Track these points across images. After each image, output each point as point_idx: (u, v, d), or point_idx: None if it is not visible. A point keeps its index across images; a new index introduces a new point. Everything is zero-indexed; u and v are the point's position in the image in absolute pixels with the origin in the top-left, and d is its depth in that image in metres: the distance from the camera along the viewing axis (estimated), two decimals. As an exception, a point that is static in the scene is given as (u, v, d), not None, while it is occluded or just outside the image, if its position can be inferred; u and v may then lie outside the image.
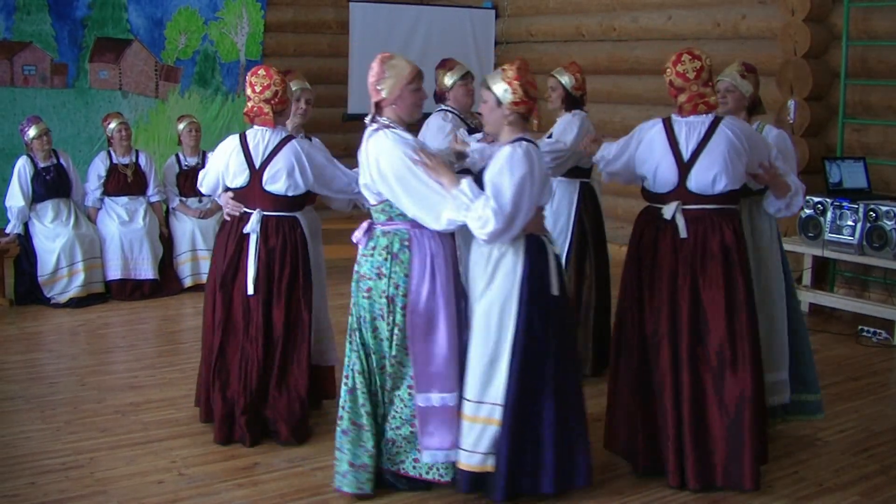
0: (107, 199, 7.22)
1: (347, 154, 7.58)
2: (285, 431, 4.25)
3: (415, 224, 3.65)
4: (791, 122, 6.71)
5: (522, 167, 3.50)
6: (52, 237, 6.83)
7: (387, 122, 3.69)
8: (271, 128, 4.32)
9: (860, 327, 6.25)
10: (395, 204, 3.63)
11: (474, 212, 3.46)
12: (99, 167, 7.23)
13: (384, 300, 3.65)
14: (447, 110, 5.12)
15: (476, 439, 3.61)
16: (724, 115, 3.98)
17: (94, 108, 8.63)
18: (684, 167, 3.85)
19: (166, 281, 7.23)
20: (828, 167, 6.48)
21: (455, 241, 3.79)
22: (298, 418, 4.29)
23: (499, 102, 3.62)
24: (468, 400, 3.64)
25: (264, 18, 9.59)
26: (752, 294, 3.88)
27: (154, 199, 7.39)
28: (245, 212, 4.35)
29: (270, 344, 4.30)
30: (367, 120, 3.77)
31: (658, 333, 3.85)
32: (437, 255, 3.65)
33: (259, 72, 4.34)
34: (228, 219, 4.42)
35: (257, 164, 4.28)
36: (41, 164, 6.87)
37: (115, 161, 7.25)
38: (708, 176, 3.81)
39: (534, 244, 3.62)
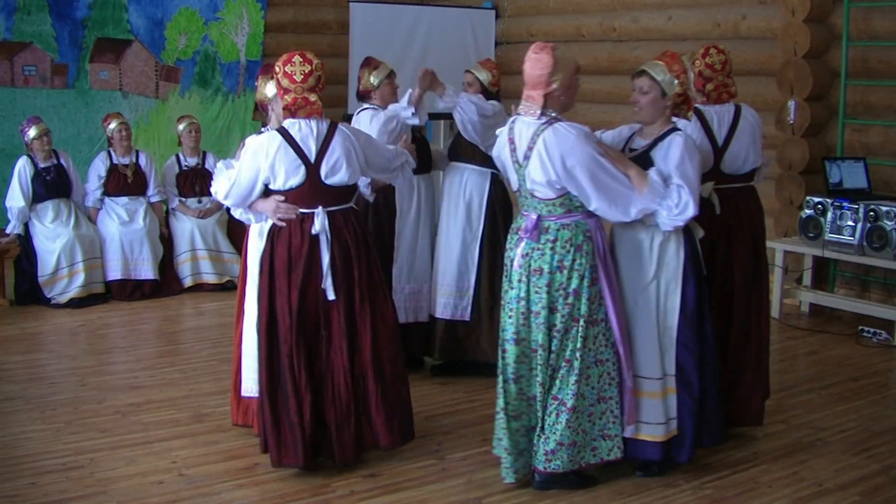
0: (107, 200, 7.22)
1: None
2: (389, 440, 4.02)
3: (590, 214, 3.73)
4: (791, 122, 6.71)
5: (697, 154, 3.79)
6: (52, 237, 6.83)
7: (557, 115, 3.70)
8: (319, 118, 3.95)
9: (860, 327, 6.25)
10: (580, 198, 3.68)
11: (671, 199, 3.66)
12: (99, 167, 7.24)
13: (564, 292, 3.70)
14: (372, 108, 5.16)
15: (664, 410, 3.83)
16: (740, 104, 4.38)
17: (95, 108, 8.62)
18: (719, 151, 4.25)
19: (166, 281, 7.24)
20: (828, 167, 6.48)
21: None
22: (403, 422, 4.09)
23: (663, 93, 3.78)
24: (646, 378, 3.83)
25: (264, 19, 9.58)
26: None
27: (154, 199, 7.40)
28: (302, 213, 3.93)
29: (355, 350, 3.98)
30: (525, 111, 3.72)
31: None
32: (605, 245, 3.80)
33: (294, 59, 3.89)
34: (283, 224, 3.94)
35: (312, 158, 3.89)
36: (41, 165, 6.88)
37: (115, 161, 7.26)
38: (739, 158, 4.29)
39: (688, 229, 3.85)
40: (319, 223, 3.89)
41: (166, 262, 7.31)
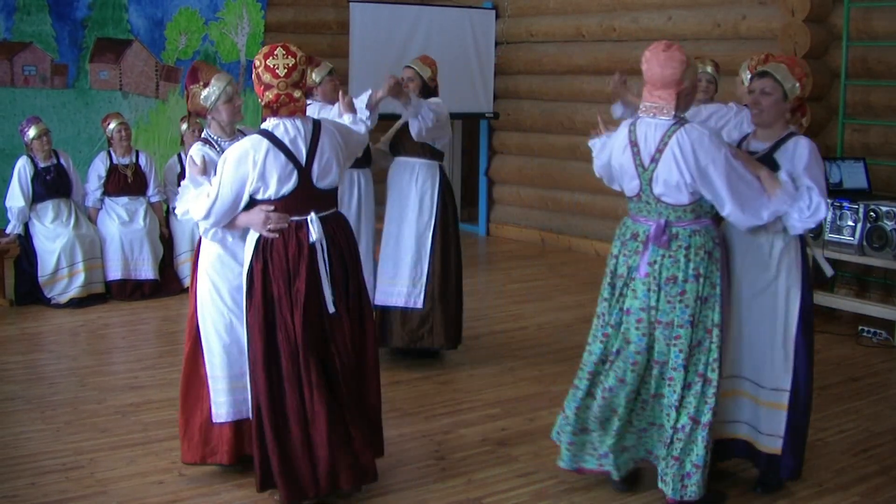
0: (107, 200, 7.22)
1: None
2: (371, 465, 3.72)
3: (716, 220, 3.65)
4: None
5: (821, 158, 3.70)
6: (52, 237, 6.83)
7: (683, 116, 3.60)
8: (303, 117, 3.65)
9: (860, 327, 6.25)
10: (714, 201, 3.53)
11: (803, 201, 3.56)
12: (99, 167, 7.24)
13: (699, 303, 3.55)
14: (318, 103, 5.34)
15: (776, 423, 3.73)
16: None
17: (95, 108, 8.63)
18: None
19: (167, 281, 7.24)
20: (828, 167, 6.47)
21: None
22: (377, 441, 3.86)
23: (786, 96, 3.70)
24: (763, 387, 3.74)
25: (264, 19, 9.59)
26: None
27: (154, 199, 7.40)
28: (294, 220, 3.61)
29: (362, 363, 3.77)
30: (657, 112, 3.56)
31: None
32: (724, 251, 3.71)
33: (277, 51, 3.55)
34: (276, 235, 3.60)
35: (303, 161, 3.58)
36: (41, 165, 6.88)
37: (115, 161, 7.26)
38: None
39: (802, 236, 3.75)
40: (316, 230, 3.59)
41: (166, 262, 7.32)
